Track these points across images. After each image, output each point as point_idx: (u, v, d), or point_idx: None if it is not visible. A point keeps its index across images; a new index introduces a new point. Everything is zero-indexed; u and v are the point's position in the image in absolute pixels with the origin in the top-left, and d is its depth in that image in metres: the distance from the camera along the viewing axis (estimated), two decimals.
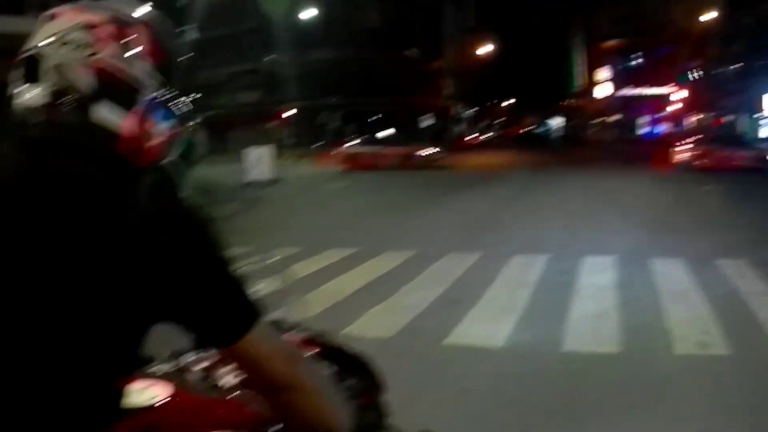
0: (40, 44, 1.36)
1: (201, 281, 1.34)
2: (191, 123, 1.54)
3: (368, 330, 6.78)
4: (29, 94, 1.36)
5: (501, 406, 5.06)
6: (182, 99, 1.50)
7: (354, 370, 1.91)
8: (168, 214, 1.34)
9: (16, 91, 1.39)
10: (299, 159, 40.58)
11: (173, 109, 1.48)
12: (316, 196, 23.20)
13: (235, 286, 1.39)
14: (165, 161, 1.47)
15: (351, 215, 17.08)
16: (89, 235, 1.25)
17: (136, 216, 1.28)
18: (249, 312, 1.39)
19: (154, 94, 1.42)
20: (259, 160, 26.85)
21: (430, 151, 35.10)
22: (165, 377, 1.78)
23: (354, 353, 1.98)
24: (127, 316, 1.28)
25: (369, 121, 57.23)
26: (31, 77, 1.36)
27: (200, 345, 1.46)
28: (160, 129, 1.44)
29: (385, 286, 8.85)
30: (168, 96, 1.46)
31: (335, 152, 35.65)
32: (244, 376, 1.72)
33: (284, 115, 47.37)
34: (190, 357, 1.89)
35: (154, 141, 1.43)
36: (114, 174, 1.33)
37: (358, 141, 35.77)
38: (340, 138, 50.96)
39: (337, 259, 10.60)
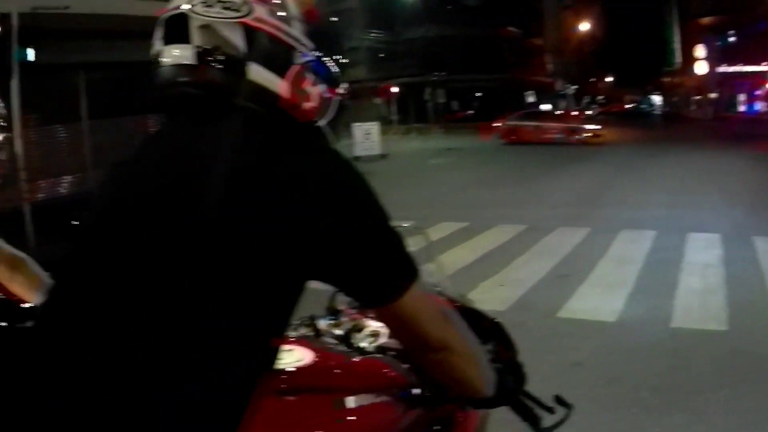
0: (186, 4, 1.33)
1: (364, 238, 1.30)
2: (343, 87, 1.53)
3: (481, 303, 6.67)
4: (176, 53, 1.34)
5: (611, 379, 5.16)
6: (332, 61, 1.49)
7: (489, 335, 1.86)
8: (331, 170, 1.32)
9: (159, 49, 1.37)
10: (405, 134, 40.84)
11: (326, 71, 1.47)
12: (426, 170, 23.27)
13: (396, 243, 1.35)
14: (320, 123, 1.46)
15: (461, 189, 17.26)
16: (252, 193, 1.23)
17: (299, 173, 1.27)
18: (408, 270, 1.35)
19: (309, 55, 1.42)
20: (366, 135, 27.15)
21: (594, 126, 35.00)
22: (306, 340, 1.82)
23: (491, 317, 1.94)
24: (287, 274, 1.26)
25: (476, 96, 57.11)
26: (176, 37, 1.34)
27: (359, 304, 1.50)
28: (316, 90, 1.42)
29: (496, 259, 9.09)
30: (320, 58, 1.45)
31: (496, 125, 35.82)
32: (384, 339, 1.89)
33: (390, 90, 47.55)
34: (327, 321, 1.97)
35: (310, 102, 1.41)
36: (274, 131, 1.31)
37: (517, 115, 35.59)
38: (445, 113, 50.95)
39: (450, 232, 10.81)
